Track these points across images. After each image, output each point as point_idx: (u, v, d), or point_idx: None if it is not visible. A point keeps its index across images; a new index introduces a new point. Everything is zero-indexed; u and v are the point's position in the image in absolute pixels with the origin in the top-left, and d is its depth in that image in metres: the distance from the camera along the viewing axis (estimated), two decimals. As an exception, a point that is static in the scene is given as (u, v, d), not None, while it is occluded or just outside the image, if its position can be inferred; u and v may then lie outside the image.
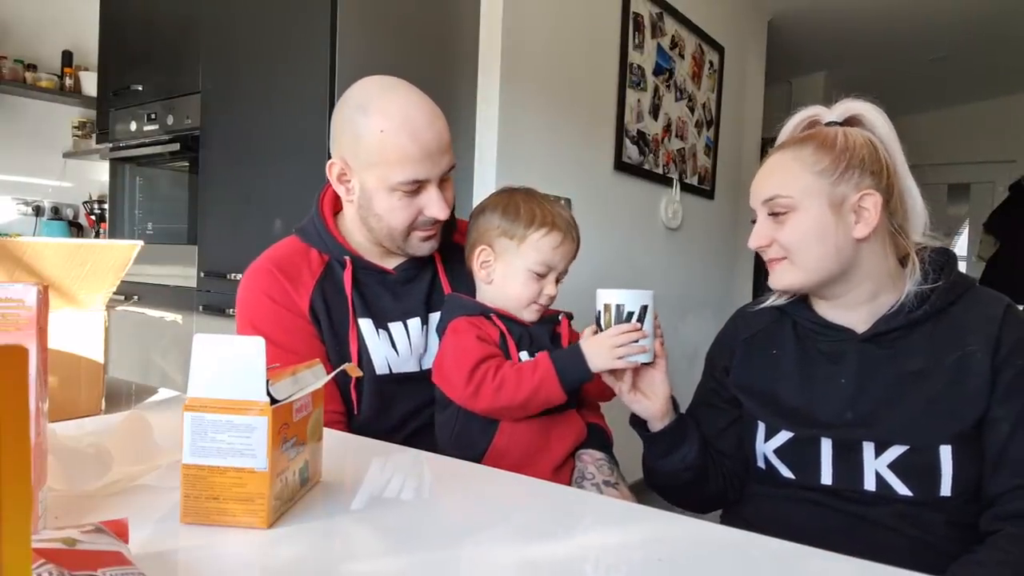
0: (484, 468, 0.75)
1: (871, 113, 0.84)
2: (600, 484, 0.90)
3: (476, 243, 0.96)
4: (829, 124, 0.85)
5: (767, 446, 0.86)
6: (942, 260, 0.83)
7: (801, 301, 0.90)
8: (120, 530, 0.43)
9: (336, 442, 0.82)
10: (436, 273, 1.01)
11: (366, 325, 0.94)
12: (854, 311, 0.84)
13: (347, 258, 0.95)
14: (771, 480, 0.87)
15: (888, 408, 0.79)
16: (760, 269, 3.77)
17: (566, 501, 0.67)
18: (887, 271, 0.83)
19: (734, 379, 0.92)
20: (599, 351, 0.84)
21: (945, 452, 0.77)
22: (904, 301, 0.81)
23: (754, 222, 0.86)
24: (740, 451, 0.92)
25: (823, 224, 0.80)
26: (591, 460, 0.93)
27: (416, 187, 0.90)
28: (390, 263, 0.98)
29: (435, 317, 0.98)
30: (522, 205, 0.94)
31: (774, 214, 0.83)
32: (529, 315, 0.96)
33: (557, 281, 0.96)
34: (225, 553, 0.50)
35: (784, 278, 0.84)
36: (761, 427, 0.87)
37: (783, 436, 0.85)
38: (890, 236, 0.83)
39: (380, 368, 0.94)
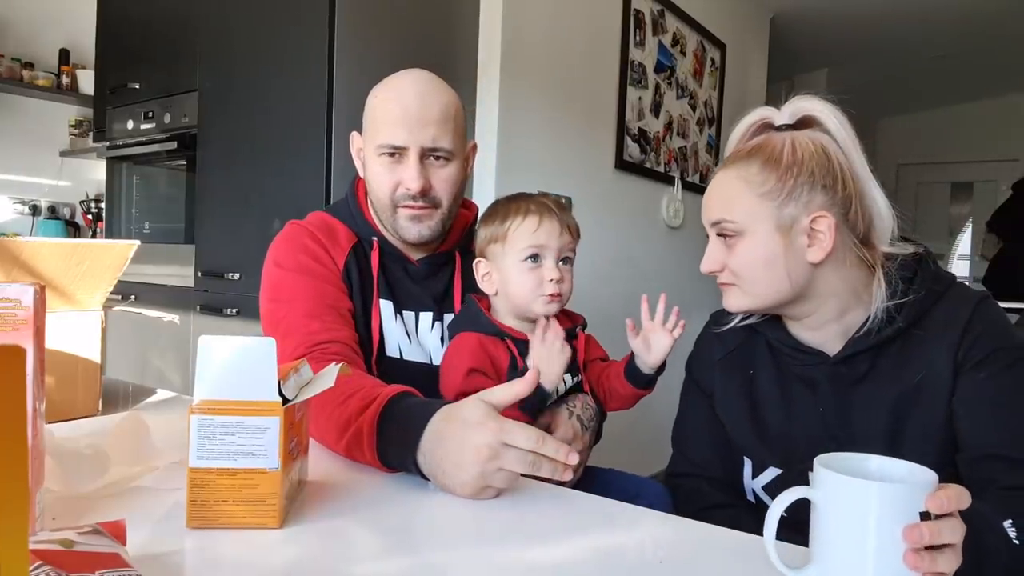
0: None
1: (824, 113, 0.77)
2: (576, 415, 0.91)
3: (476, 260, 0.97)
4: (780, 128, 0.79)
5: (755, 482, 0.83)
6: (911, 270, 0.77)
7: (773, 319, 0.84)
8: (118, 532, 0.43)
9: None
10: (454, 275, 1.02)
11: (386, 307, 0.95)
12: (822, 330, 0.79)
13: (375, 239, 0.97)
14: (762, 515, 0.82)
15: (869, 438, 0.75)
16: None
17: (567, 502, 0.66)
18: (852, 287, 0.77)
19: (718, 405, 0.88)
20: (547, 372, 0.85)
21: None
22: (872, 320, 0.75)
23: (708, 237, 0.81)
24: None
25: (771, 251, 0.75)
26: (583, 399, 0.95)
27: (395, 152, 0.91)
28: (413, 255, 0.99)
29: (448, 318, 0.99)
30: (500, 208, 0.96)
31: (723, 235, 0.78)
32: (541, 308, 0.92)
33: (566, 263, 0.94)
34: (226, 554, 0.50)
35: (735, 302, 0.80)
36: (748, 463, 0.83)
37: (771, 473, 0.81)
38: (852, 250, 0.76)
39: (391, 351, 0.95)
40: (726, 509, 0.83)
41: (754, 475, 0.83)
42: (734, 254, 0.77)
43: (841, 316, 0.78)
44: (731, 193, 0.77)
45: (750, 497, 0.84)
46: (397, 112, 0.90)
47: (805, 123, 0.79)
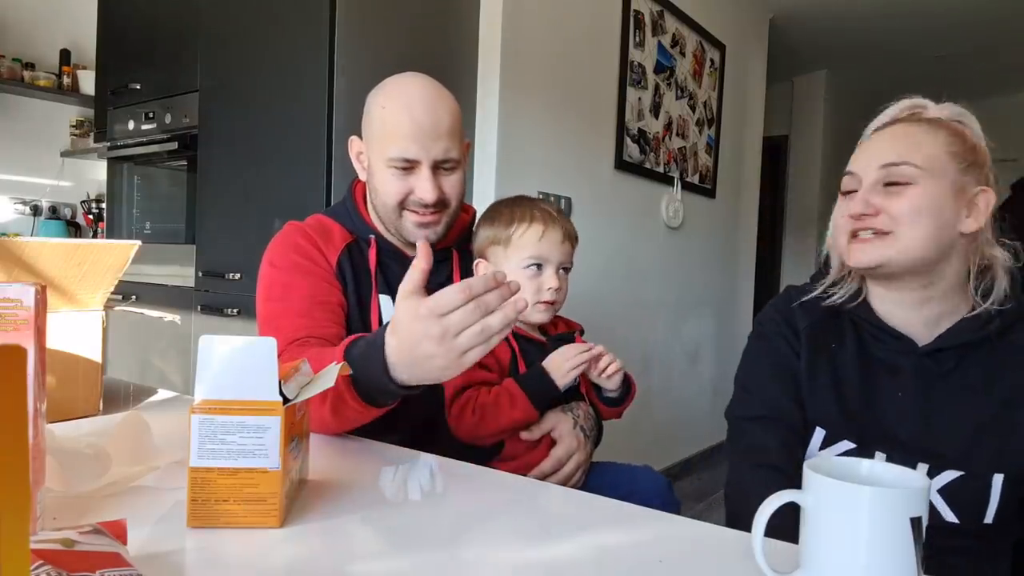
0: (485, 469, 0.75)
1: (975, 124, 0.82)
2: (580, 426, 0.94)
3: (475, 259, 0.99)
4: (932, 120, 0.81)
5: (822, 454, 0.82)
6: (1013, 281, 0.80)
7: (857, 297, 0.85)
8: (118, 531, 0.43)
9: (335, 442, 0.81)
10: (451, 275, 1.03)
11: (385, 302, 0.97)
12: (915, 312, 0.81)
13: (372, 237, 0.99)
14: None
15: (944, 431, 0.77)
16: (761, 269, 3.77)
17: (567, 501, 0.67)
18: (960, 278, 0.79)
19: (803, 374, 0.86)
20: (557, 368, 0.89)
21: (997, 480, 0.75)
22: (973, 316, 0.78)
23: (845, 193, 0.81)
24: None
25: (941, 204, 0.75)
26: (586, 408, 0.98)
27: (407, 166, 0.92)
28: (411, 251, 1.01)
29: None
30: (503, 210, 0.97)
31: (891, 184, 0.77)
32: (536, 316, 0.95)
33: (565, 272, 0.97)
34: (226, 553, 0.50)
35: (878, 253, 0.77)
36: (820, 433, 0.83)
37: (843, 446, 0.81)
38: (978, 242, 0.79)
39: None
40: (778, 474, 0.80)
41: (823, 446, 0.83)
42: (902, 198, 0.76)
43: (938, 302, 0.80)
44: (919, 141, 0.77)
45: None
46: (408, 126, 0.90)
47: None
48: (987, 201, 0.77)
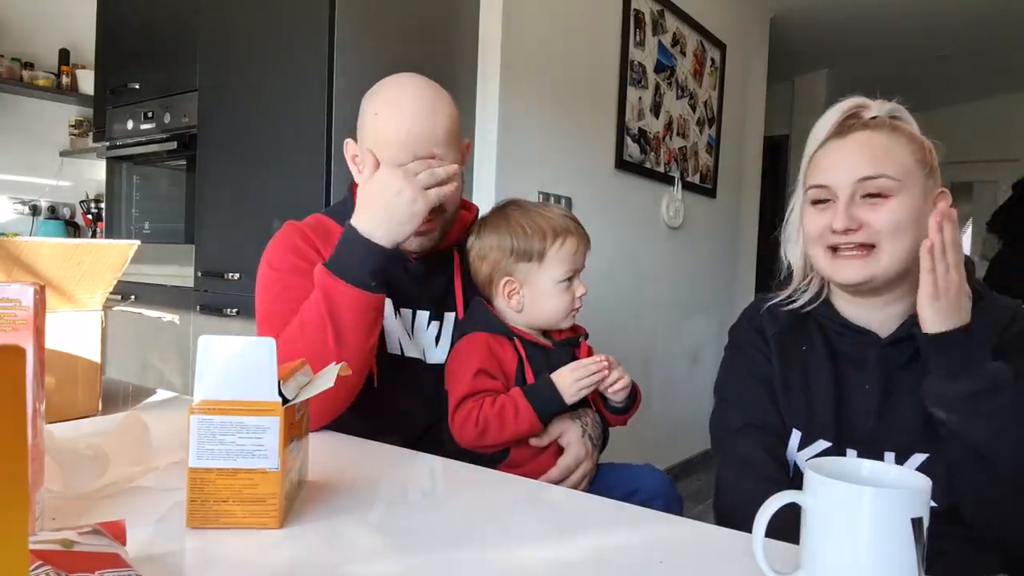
0: (485, 470, 0.75)
1: (908, 117, 0.84)
2: (588, 434, 0.94)
3: (494, 276, 0.95)
4: (874, 119, 0.82)
5: (800, 455, 0.83)
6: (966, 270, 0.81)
7: (821, 300, 0.87)
8: (117, 532, 0.43)
9: (336, 444, 0.81)
10: (453, 276, 1.02)
11: (386, 304, 0.95)
12: (880, 311, 0.82)
13: None
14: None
15: (907, 417, 0.78)
16: (761, 269, 3.77)
17: (567, 503, 0.66)
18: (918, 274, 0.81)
19: (776, 378, 0.87)
20: (568, 386, 0.89)
21: None
22: None
23: (817, 203, 0.80)
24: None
25: (919, 213, 0.76)
26: (593, 416, 0.98)
27: None
28: (409, 252, 0.99)
29: (449, 317, 0.99)
30: (524, 223, 0.94)
31: (869, 196, 0.77)
32: (568, 323, 0.97)
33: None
34: (226, 554, 0.50)
35: (865, 270, 0.77)
36: (796, 435, 0.84)
37: (820, 446, 0.82)
38: None
39: (392, 347, 0.95)
40: (767, 484, 0.79)
41: (800, 447, 0.83)
42: (883, 211, 0.76)
43: (902, 300, 0.81)
44: (890, 152, 0.78)
45: (790, 471, 0.85)
46: (402, 134, 0.88)
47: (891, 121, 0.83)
48: (947, 202, 0.79)
